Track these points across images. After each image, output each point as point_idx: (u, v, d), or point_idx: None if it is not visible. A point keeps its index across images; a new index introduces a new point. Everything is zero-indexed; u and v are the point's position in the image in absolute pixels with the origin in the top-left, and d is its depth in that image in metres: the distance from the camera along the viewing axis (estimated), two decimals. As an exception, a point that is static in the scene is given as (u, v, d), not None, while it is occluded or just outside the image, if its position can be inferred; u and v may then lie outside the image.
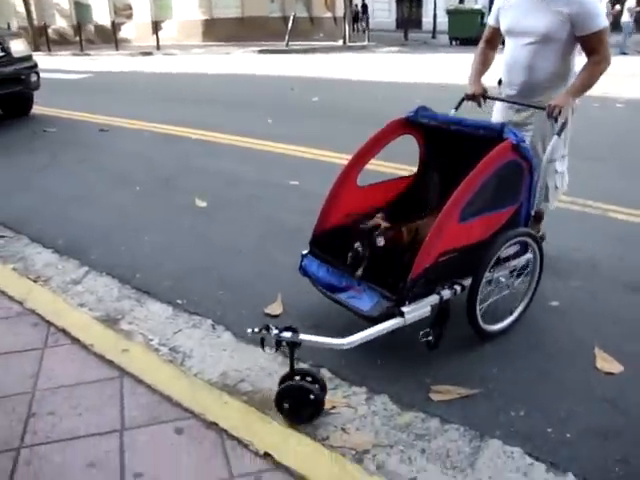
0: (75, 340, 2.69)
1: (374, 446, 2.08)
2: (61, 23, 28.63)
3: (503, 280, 2.79)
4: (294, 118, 7.96)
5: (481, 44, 3.45)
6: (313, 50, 19.49)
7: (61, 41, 26.70)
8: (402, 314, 2.40)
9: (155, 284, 3.32)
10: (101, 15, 27.26)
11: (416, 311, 2.45)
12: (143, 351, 2.62)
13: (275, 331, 2.18)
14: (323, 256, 2.83)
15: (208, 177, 5.42)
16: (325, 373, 2.53)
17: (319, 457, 1.99)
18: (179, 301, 3.14)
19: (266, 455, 1.97)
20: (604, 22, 2.93)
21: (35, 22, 24.55)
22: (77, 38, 23.69)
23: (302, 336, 2.22)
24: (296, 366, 2.28)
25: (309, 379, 2.25)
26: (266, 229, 4.19)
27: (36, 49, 21.96)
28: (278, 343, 2.21)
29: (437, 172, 3.14)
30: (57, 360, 2.54)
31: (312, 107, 8.79)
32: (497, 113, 3.42)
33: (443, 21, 24.72)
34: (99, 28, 27.14)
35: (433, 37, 27.35)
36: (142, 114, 8.22)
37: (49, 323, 2.83)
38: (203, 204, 4.69)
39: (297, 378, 2.23)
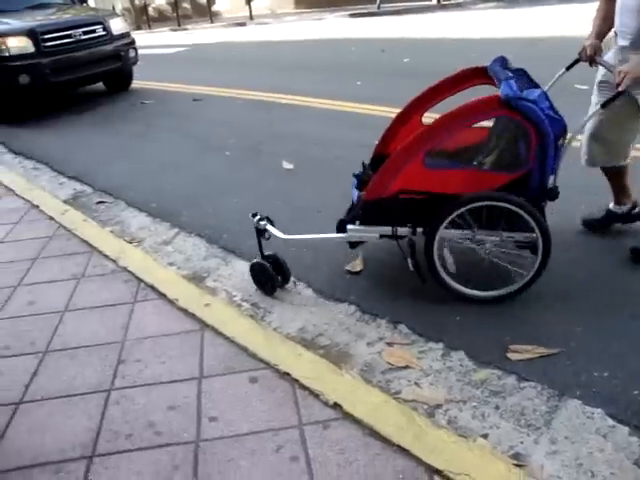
0: (162, 295, 2.84)
1: (447, 401, 2.06)
2: (160, 1, 29.58)
3: (489, 245, 2.60)
4: (383, 80, 7.81)
5: None
6: (406, 11, 18.92)
7: (160, 18, 27.59)
8: (345, 230, 2.70)
9: (241, 244, 3.41)
10: (197, -10, 27.91)
11: (361, 232, 2.71)
12: (224, 305, 2.72)
13: (257, 217, 2.81)
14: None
15: (296, 140, 5.45)
16: (402, 329, 2.52)
17: (388, 409, 2.00)
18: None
19: (335, 405, 2.00)
20: None
21: (137, 2, 25.52)
22: (174, 14, 24.41)
23: (263, 224, 2.81)
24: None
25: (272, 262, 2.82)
26: (349, 189, 4.18)
27: (138, 27, 22.92)
28: (255, 227, 2.81)
29: None
30: (145, 313, 2.70)
31: (403, 68, 8.57)
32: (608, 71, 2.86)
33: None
34: (195, 3, 27.75)
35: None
36: (235, 82, 8.37)
37: (139, 280, 3.00)
38: (290, 166, 4.74)
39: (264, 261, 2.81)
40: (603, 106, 2.55)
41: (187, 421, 2.00)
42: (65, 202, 4.37)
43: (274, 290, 2.85)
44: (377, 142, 3.13)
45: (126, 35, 8.58)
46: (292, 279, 2.96)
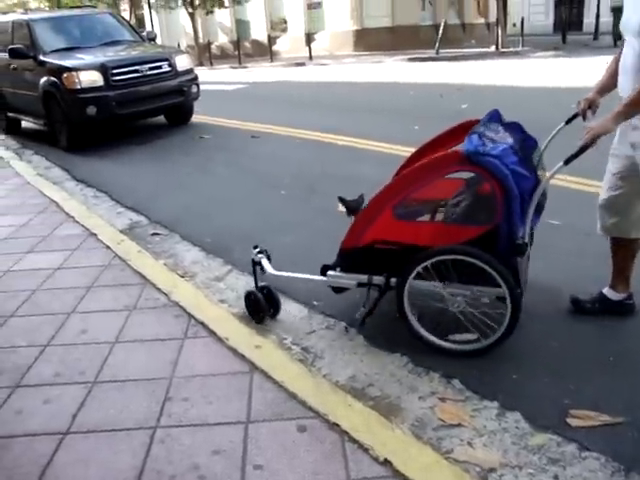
0: (212, 333, 2.82)
1: (501, 465, 1.95)
2: (222, 39, 30.64)
3: (460, 298, 2.55)
4: (441, 125, 7.74)
5: (620, 48, 2.70)
6: (464, 57, 19.06)
7: (222, 56, 28.57)
8: (325, 274, 2.81)
9: (293, 285, 3.37)
10: (258, 30, 28.78)
11: (340, 278, 2.80)
12: (275, 348, 2.67)
13: (256, 250, 3.02)
14: None
15: (352, 183, 5.43)
16: (456, 384, 2.43)
17: (440, 469, 1.90)
18: (315, 302, 3.17)
19: (386, 462, 1.92)
20: None
21: (200, 40, 26.47)
22: (236, 52, 25.20)
23: (260, 257, 3.00)
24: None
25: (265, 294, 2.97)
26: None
27: (200, 64, 23.70)
28: (252, 260, 3.00)
29: None
30: (194, 351, 2.68)
31: (461, 114, 8.55)
32: (617, 131, 2.63)
33: (606, 21, 23.02)
34: (256, 42, 28.66)
35: (595, 38, 25.53)
36: (293, 121, 8.51)
37: (190, 315, 3.00)
38: (344, 209, 4.72)
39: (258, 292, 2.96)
40: (566, 162, 2.41)
41: (231, 467, 1.94)
42: (121, 232, 4.46)
43: (264, 319, 2.97)
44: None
45: (190, 71, 8.88)
46: (344, 324, 2.91)
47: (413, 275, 2.55)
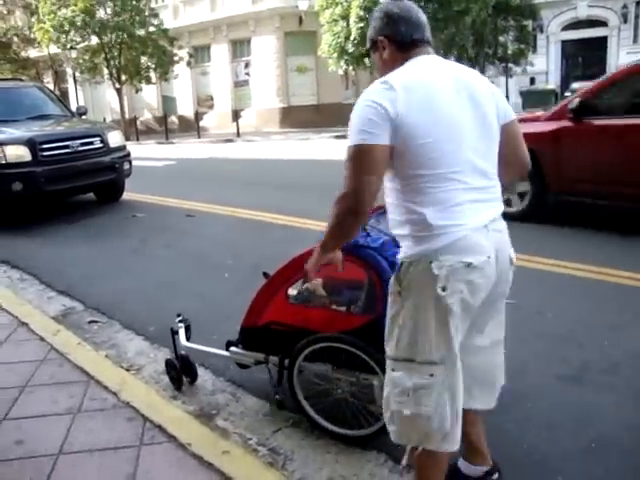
0: (172, 437, 2.55)
1: None
2: (148, 115, 30.57)
3: (346, 384, 2.55)
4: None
5: None
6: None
7: (147, 131, 28.39)
8: (228, 350, 2.89)
9: (251, 377, 3.15)
10: (185, 106, 28.93)
11: (240, 355, 2.87)
12: (244, 454, 2.43)
13: (178, 319, 3.25)
14: None
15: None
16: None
17: None
18: (277, 397, 2.96)
19: None
20: (352, 141, 1.75)
21: (126, 115, 26.28)
22: (162, 128, 25.13)
23: (179, 326, 3.20)
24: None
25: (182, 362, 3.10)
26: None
27: (127, 139, 23.41)
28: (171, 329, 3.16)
29: None
30: (154, 460, 2.40)
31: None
32: None
33: (516, 102, 24.70)
34: (182, 118, 28.74)
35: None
36: (226, 199, 8.36)
37: (144, 417, 2.71)
38: (294, 292, 4.57)
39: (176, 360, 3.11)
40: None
41: None
42: (54, 319, 4.11)
43: (181, 386, 3.10)
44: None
45: (122, 148, 8.70)
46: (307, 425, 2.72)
47: (301, 358, 2.59)
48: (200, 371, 3.26)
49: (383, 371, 2.15)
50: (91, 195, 8.98)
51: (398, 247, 2.10)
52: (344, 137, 20.24)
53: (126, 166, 8.62)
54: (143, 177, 11.00)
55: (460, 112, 1.77)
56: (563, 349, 3.39)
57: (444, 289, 1.71)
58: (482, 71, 20.92)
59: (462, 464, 2.24)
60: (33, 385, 3.10)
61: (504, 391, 2.90)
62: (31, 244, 6.64)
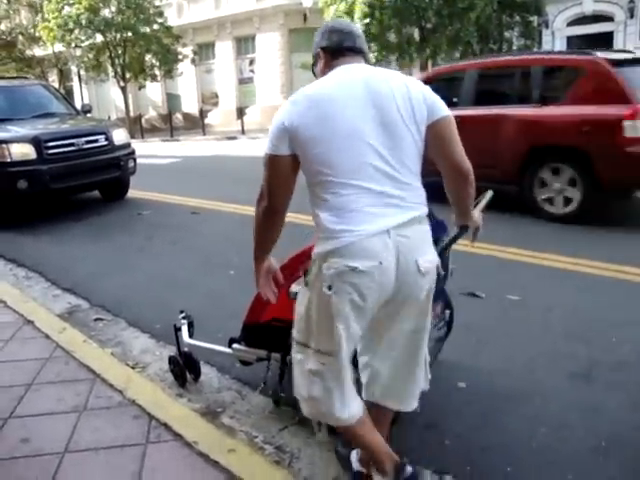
0: (178, 436, 2.53)
1: None
2: (153, 113, 30.58)
3: None
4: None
5: None
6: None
7: (152, 129, 28.36)
8: (230, 347, 2.89)
9: (257, 374, 3.14)
10: (189, 103, 28.92)
11: (243, 352, 2.88)
12: (250, 452, 2.42)
13: (181, 315, 3.26)
14: None
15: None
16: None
17: None
18: (282, 394, 2.94)
19: None
20: (265, 150, 1.98)
21: (131, 113, 26.29)
22: (167, 125, 25.13)
23: (182, 323, 3.20)
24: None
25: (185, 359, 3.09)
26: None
27: (132, 137, 23.42)
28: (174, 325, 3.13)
29: None
30: (160, 458, 2.39)
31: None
32: None
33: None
34: (187, 116, 28.73)
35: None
36: (231, 197, 8.33)
37: (150, 416, 2.70)
38: (296, 289, 4.55)
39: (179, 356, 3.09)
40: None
41: None
42: (60, 316, 4.10)
43: (185, 383, 3.08)
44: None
45: (127, 145, 8.68)
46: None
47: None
48: (206, 369, 3.25)
49: None
50: (96, 193, 8.98)
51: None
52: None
53: (131, 164, 8.61)
54: (148, 175, 10.99)
55: (361, 121, 1.84)
56: (570, 346, 3.36)
57: (329, 288, 1.84)
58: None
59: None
60: (39, 383, 3.10)
61: (511, 388, 2.92)
62: (37, 242, 6.65)
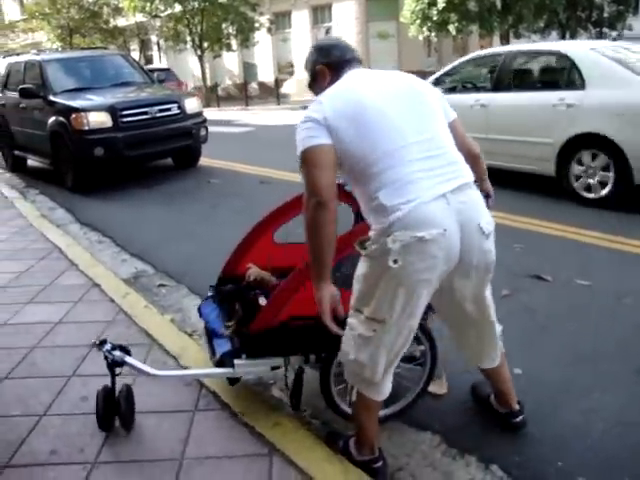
0: (225, 405, 2.57)
1: None
2: (229, 82, 30.93)
3: None
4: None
5: None
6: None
7: (228, 97, 28.74)
8: (232, 365, 2.40)
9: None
10: (265, 73, 29.06)
11: (251, 366, 2.46)
12: (295, 427, 2.41)
13: (108, 346, 2.36)
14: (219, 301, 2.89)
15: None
16: (496, 471, 2.22)
17: None
18: (305, 410, 2.74)
19: None
20: (299, 151, 1.99)
21: (208, 82, 26.70)
22: (242, 94, 25.37)
23: (127, 358, 2.37)
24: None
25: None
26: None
27: (207, 105, 23.83)
28: (105, 358, 2.35)
29: None
30: (206, 426, 2.43)
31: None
32: None
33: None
34: (262, 85, 28.90)
35: None
36: (300, 167, 8.34)
37: (201, 384, 2.74)
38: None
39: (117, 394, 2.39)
40: None
41: None
42: (126, 282, 4.24)
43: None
44: (227, 260, 3.24)
45: (199, 114, 8.80)
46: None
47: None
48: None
49: (426, 336, 2.42)
50: (169, 161, 9.20)
51: None
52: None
53: (202, 132, 8.74)
54: (221, 143, 11.16)
55: (394, 107, 1.97)
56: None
57: (395, 262, 1.83)
58: (573, 36, 19.75)
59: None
60: (100, 345, 3.21)
61: (571, 379, 2.77)
62: (110, 208, 6.90)
